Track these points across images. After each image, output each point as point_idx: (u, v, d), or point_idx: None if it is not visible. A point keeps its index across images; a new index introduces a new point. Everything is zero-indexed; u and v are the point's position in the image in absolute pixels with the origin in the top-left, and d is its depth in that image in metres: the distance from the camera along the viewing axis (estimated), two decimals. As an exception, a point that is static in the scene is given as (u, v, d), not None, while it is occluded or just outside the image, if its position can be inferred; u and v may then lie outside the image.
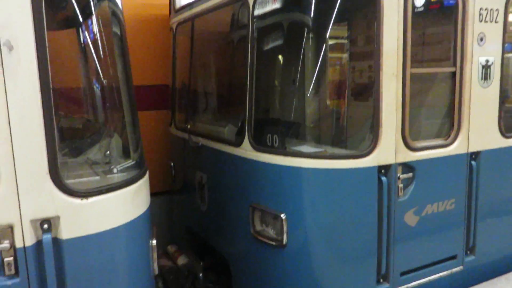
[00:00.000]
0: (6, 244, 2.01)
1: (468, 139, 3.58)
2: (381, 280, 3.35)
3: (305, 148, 3.39)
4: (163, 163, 5.45)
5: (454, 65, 3.50)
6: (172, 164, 5.21)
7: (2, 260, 2.03)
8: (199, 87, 5.22)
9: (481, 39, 3.54)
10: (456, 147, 3.53)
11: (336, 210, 3.16)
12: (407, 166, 3.31)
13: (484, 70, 3.59)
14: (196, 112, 5.09)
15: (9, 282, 2.03)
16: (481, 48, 3.56)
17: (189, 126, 4.74)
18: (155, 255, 2.68)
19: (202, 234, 4.53)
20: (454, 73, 3.52)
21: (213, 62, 5.22)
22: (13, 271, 2.03)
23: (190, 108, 5.11)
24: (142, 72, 5.37)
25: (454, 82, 3.51)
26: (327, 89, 4.15)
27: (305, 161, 3.18)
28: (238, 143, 3.63)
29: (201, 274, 4.11)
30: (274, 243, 3.30)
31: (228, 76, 5.02)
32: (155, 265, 2.72)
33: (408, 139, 3.27)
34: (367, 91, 3.84)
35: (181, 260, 4.26)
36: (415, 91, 3.38)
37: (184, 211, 5.01)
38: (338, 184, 3.16)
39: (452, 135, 3.54)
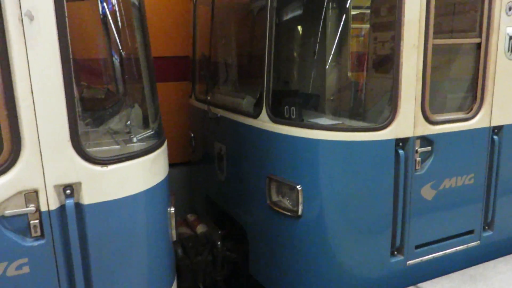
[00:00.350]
0: (32, 207, 2.12)
1: (491, 113, 3.50)
2: (395, 253, 3.38)
3: (323, 120, 3.39)
4: (184, 134, 5.53)
5: (480, 36, 3.38)
6: (192, 135, 5.29)
7: (29, 223, 2.14)
8: (219, 58, 5.21)
9: (510, 8, 3.40)
10: (478, 121, 3.46)
11: (352, 183, 3.18)
12: (425, 140, 3.28)
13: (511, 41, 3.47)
14: (216, 83, 5.11)
15: (35, 243, 2.15)
16: (510, 18, 3.42)
17: (208, 98, 4.78)
18: (173, 222, 2.78)
19: (220, 203, 4.63)
20: (479, 45, 3.41)
21: (233, 33, 5.19)
22: (39, 233, 2.15)
23: (210, 79, 5.13)
24: (163, 43, 5.39)
25: (479, 53, 3.41)
26: (347, 61, 4.09)
27: (322, 133, 3.18)
28: (256, 115, 3.65)
29: (219, 242, 4.22)
30: (289, 214, 3.35)
31: (248, 47, 4.99)
32: (173, 232, 2.82)
33: (427, 112, 3.22)
34: (388, 62, 3.77)
35: (200, 229, 4.37)
36: (437, 63, 3.31)
37: (204, 181, 5.12)
38: (355, 157, 3.17)
39: (474, 109, 3.46)
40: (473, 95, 3.50)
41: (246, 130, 3.85)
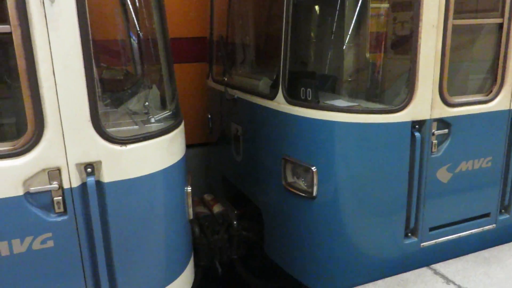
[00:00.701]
0: (55, 185, 2.21)
1: (511, 95, 3.44)
2: (409, 234, 3.40)
3: (339, 102, 3.38)
4: (201, 116, 5.59)
5: (502, 16, 3.30)
6: (209, 116, 5.34)
7: (52, 199, 2.24)
8: (237, 39, 5.21)
9: (534, -12, 3.30)
10: (498, 104, 3.40)
11: (367, 164, 3.19)
12: (443, 122, 3.25)
13: (535, 21, 3.37)
14: (232, 64, 5.12)
15: (59, 219, 2.25)
16: (534, -3, 3.32)
17: (225, 79, 4.80)
18: (190, 201, 2.85)
19: (236, 184, 4.69)
20: (501, 25, 3.33)
21: (250, 13, 5.17)
22: (62, 209, 2.24)
23: (227, 60, 5.14)
24: (180, 24, 5.40)
25: (500, 34, 3.33)
26: (365, 42, 4.04)
27: (338, 115, 3.18)
28: (272, 96, 3.67)
29: (235, 222, 4.30)
30: (304, 195, 3.39)
31: (265, 28, 4.97)
32: (190, 210, 2.89)
33: (445, 94, 3.18)
34: (406, 43, 3.71)
35: (217, 208, 4.45)
36: (456, 44, 3.25)
37: (220, 162, 5.19)
38: (370, 139, 3.17)
39: (494, 91, 3.41)
40: (493, 77, 3.43)
41: (262, 112, 3.87)
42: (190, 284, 2.98)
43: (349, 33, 3.85)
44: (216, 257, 4.25)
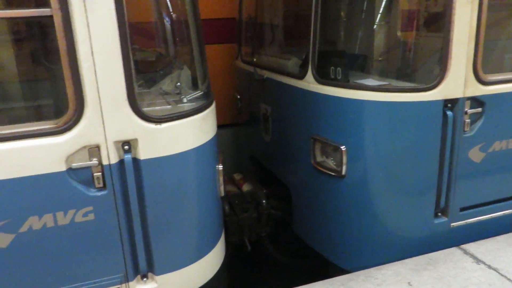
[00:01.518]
0: (95, 161, 2.32)
1: (551, 72, 3.33)
2: (439, 214, 3.39)
3: (369, 81, 3.36)
4: (230, 96, 5.64)
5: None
6: (238, 96, 5.39)
7: (92, 175, 2.36)
8: (265, 19, 5.20)
9: None
10: (535, 82, 3.30)
11: (397, 143, 3.18)
12: (476, 101, 3.19)
13: None
14: (261, 45, 5.13)
15: (99, 193, 2.37)
16: None
17: (254, 59, 4.82)
18: (221, 179, 2.93)
19: (265, 163, 4.76)
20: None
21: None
22: (101, 184, 2.36)
23: (256, 41, 5.15)
24: (209, 6, 5.42)
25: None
26: (396, 20, 3.97)
27: (368, 94, 3.17)
28: (301, 76, 3.68)
29: (264, 200, 4.38)
30: (333, 174, 3.42)
31: (294, 7, 4.94)
32: (221, 188, 2.98)
33: (480, 72, 3.11)
34: (440, 20, 3.63)
35: (246, 187, 4.54)
36: (493, 20, 3.15)
37: (249, 142, 5.25)
38: (401, 118, 3.15)
39: (532, 69, 3.31)
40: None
41: (291, 91, 3.89)
42: (221, 259, 3.08)
43: (380, 11, 3.80)
44: (245, 235, 4.36)
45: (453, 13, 2.94)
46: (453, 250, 3.29)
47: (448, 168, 3.23)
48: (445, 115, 3.13)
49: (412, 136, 3.17)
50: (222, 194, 3.01)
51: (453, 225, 3.41)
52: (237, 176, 4.85)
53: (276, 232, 4.50)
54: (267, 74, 4.35)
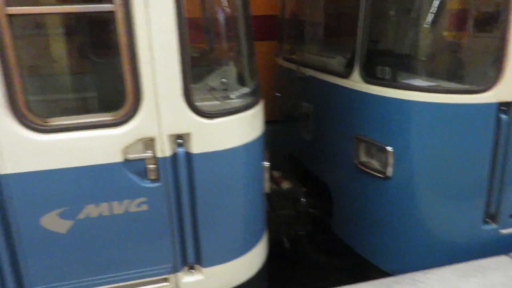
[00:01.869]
0: (149, 153, 2.38)
1: None
2: (488, 220, 3.29)
3: (418, 82, 3.30)
4: (268, 93, 5.64)
5: None
6: (277, 94, 5.39)
7: (146, 167, 2.42)
8: (308, 16, 5.17)
9: None
10: None
11: (446, 146, 3.11)
12: (534, 105, 3.07)
13: None
14: (304, 42, 5.11)
15: (152, 185, 2.43)
16: None
17: (296, 57, 4.80)
18: (267, 176, 2.95)
19: (304, 162, 4.75)
20: None
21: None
22: (155, 176, 2.42)
23: (298, 38, 5.14)
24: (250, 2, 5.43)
25: None
26: (445, 19, 3.87)
27: (417, 94, 3.11)
28: (347, 75, 3.64)
29: (302, 199, 4.38)
30: (378, 175, 3.38)
31: (339, 4, 4.89)
32: (267, 185, 3.00)
33: (538, 75, 3.00)
34: (493, 20, 3.51)
35: (285, 185, 4.55)
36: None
37: (288, 140, 5.25)
38: (451, 120, 3.07)
39: None
40: None
41: (335, 90, 3.86)
42: (264, 256, 3.10)
43: (431, 9, 3.71)
44: (283, 232, 4.37)
45: (510, 13, 2.85)
46: (503, 258, 3.19)
47: (500, 173, 3.13)
48: (498, 118, 3.03)
49: (462, 139, 3.09)
50: (268, 190, 3.03)
51: (502, 232, 3.31)
52: (276, 174, 4.87)
53: (314, 231, 4.49)
54: (310, 72, 4.34)
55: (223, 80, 3.05)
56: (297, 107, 4.71)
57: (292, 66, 4.80)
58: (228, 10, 3.05)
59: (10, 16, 2.04)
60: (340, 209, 4.00)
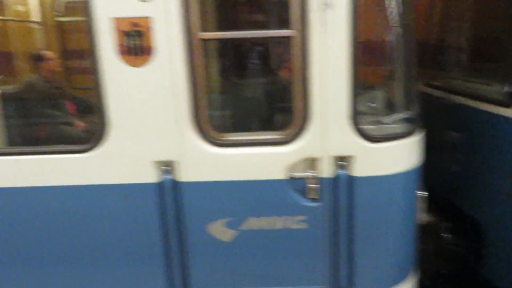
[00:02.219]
0: (313, 173, 2.43)
1: None
2: None
3: None
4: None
5: None
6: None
7: (307, 186, 2.46)
8: (452, 40, 4.90)
9: None
10: None
11: None
12: None
13: None
14: (449, 68, 4.84)
15: (313, 204, 2.47)
16: None
17: (442, 83, 4.55)
18: (423, 206, 2.80)
19: (449, 195, 4.42)
20: None
21: (470, 11, 4.79)
22: (316, 196, 2.46)
23: (443, 64, 4.88)
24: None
25: None
26: None
27: None
28: (508, 103, 3.35)
29: (445, 234, 4.07)
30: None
31: (491, 25, 4.54)
32: (420, 215, 2.84)
33: None
34: None
35: (425, 218, 4.28)
36: None
37: (426, 170, 4.95)
38: None
39: None
40: None
41: (491, 119, 3.57)
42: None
43: None
44: (420, 268, 4.09)
45: None
46: None
47: None
48: None
49: None
50: (420, 221, 2.87)
51: None
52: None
53: (457, 271, 4.12)
54: (459, 99, 4.08)
55: (374, 105, 2.99)
56: (441, 136, 4.44)
57: (437, 93, 4.57)
58: (399, 31, 2.98)
59: (203, 40, 2.28)
60: (496, 252, 3.61)
